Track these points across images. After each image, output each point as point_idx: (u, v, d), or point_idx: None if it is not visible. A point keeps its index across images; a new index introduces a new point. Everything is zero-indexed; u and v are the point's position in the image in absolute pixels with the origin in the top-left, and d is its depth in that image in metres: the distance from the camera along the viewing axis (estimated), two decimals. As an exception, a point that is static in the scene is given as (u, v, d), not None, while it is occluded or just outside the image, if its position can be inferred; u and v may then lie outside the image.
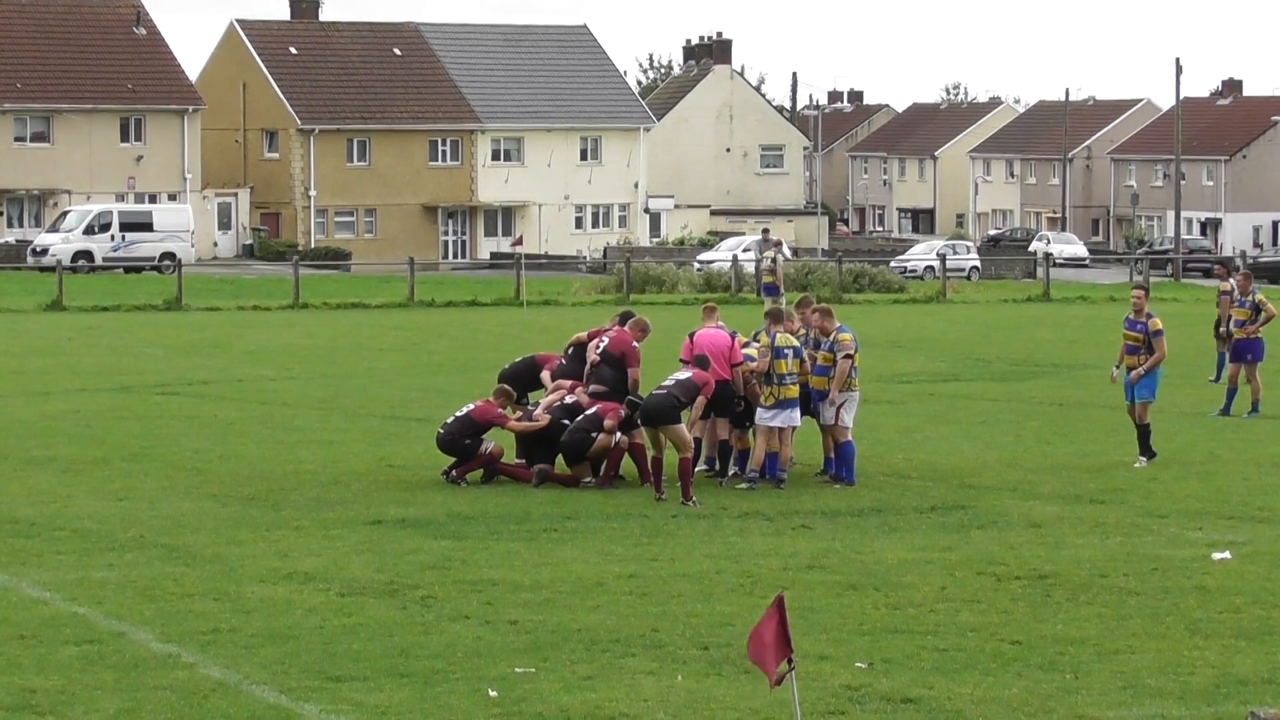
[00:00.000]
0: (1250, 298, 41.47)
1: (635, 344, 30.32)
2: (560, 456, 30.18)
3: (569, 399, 30.36)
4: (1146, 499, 28.93)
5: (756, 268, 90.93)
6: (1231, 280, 44.99)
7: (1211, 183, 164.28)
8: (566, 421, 29.90)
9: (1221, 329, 43.64)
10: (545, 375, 31.53)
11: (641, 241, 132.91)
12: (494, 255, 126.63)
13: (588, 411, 29.74)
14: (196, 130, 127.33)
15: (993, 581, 22.62)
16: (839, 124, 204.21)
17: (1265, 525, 26.72)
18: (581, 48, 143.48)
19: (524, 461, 30.53)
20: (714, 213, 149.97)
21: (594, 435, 29.56)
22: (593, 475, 29.84)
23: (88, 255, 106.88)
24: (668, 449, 28.91)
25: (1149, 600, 21.61)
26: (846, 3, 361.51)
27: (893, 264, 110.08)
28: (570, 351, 31.71)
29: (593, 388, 30.20)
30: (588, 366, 30.57)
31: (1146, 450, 32.24)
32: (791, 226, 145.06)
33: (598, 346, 30.53)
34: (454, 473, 30.21)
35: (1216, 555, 24.13)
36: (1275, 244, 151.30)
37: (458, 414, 30.64)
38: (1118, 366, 32.91)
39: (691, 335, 30.44)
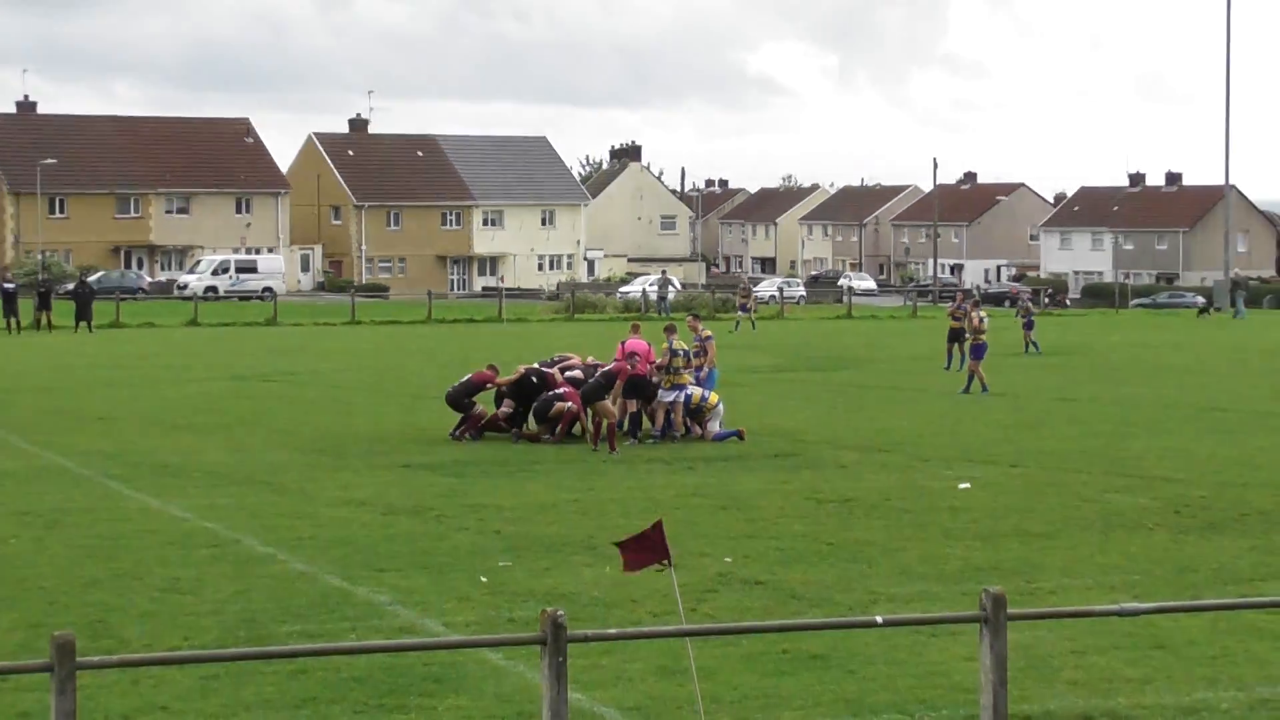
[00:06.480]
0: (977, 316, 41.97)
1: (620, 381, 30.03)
2: (530, 416, 30.32)
3: (570, 370, 30.58)
4: (916, 448, 29.05)
5: (659, 297, 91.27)
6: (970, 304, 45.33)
7: (958, 240, 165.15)
8: (534, 379, 30.01)
9: (967, 336, 43.91)
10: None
11: (582, 279, 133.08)
12: (485, 289, 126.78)
13: (558, 390, 29.84)
14: (286, 206, 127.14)
15: (815, 503, 22.67)
16: (712, 201, 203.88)
17: (992, 466, 26.83)
18: (542, 151, 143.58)
19: (501, 412, 30.48)
20: (630, 260, 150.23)
21: (556, 404, 29.68)
22: (550, 434, 29.89)
23: (214, 289, 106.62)
24: (602, 418, 29.03)
25: (917, 515, 21.68)
26: (716, 123, 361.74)
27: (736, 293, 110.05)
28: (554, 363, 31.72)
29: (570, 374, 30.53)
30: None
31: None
32: (681, 269, 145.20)
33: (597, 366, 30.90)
34: (457, 432, 30.22)
35: (961, 485, 24.25)
36: (999, 280, 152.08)
37: (462, 380, 30.87)
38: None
39: (622, 343, 30.82)
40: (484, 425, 30.42)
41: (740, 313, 72.76)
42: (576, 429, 30.03)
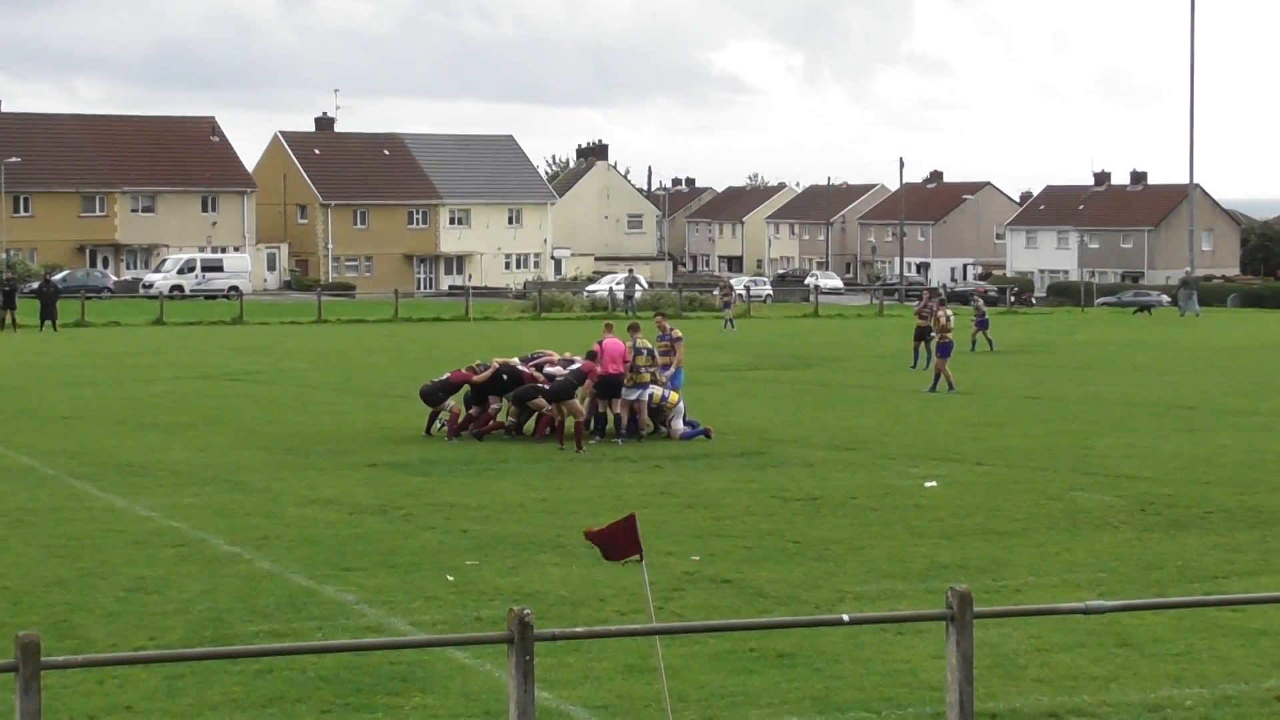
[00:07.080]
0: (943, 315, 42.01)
1: (589, 379, 30.01)
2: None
3: (547, 368, 30.46)
4: (882, 446, 29.10)
5: (626, 296, 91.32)
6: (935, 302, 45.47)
7: (924, 239, 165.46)
8: (505, 376, 29.96)
9: (933, 334, 43.93)
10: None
11: (549, 277, 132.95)
12: (451, 288, 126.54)
13: (541, 384, 29.83)
14: (252, 205, 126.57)
15: (781, 502, 22.69)
16: (679, 200, 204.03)
17: (958, 464, 26.91)
18: (509, 149, 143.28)
19: (475, 410, 30.36)
20: (597, 259, 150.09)
21: (538, 397, 29.51)
22: (518, 428, 29.94)
23: (180, 288, 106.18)
24: (569, 416, 28.99)
25: (883, 514, 21.73)
26: (682, 121, 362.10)
27: (715, 292, 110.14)
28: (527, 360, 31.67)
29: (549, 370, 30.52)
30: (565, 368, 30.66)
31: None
32: (648, 268, 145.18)
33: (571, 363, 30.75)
34: (432, 428, 30.21)
35: (927, 483, 24.30)
36: (965, 278, 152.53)
37: (438, 378, 30.76)
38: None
39: (600, 343, 30.68)
40: (482, 430, 30.03)
41: (724, 309, 74.74)
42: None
